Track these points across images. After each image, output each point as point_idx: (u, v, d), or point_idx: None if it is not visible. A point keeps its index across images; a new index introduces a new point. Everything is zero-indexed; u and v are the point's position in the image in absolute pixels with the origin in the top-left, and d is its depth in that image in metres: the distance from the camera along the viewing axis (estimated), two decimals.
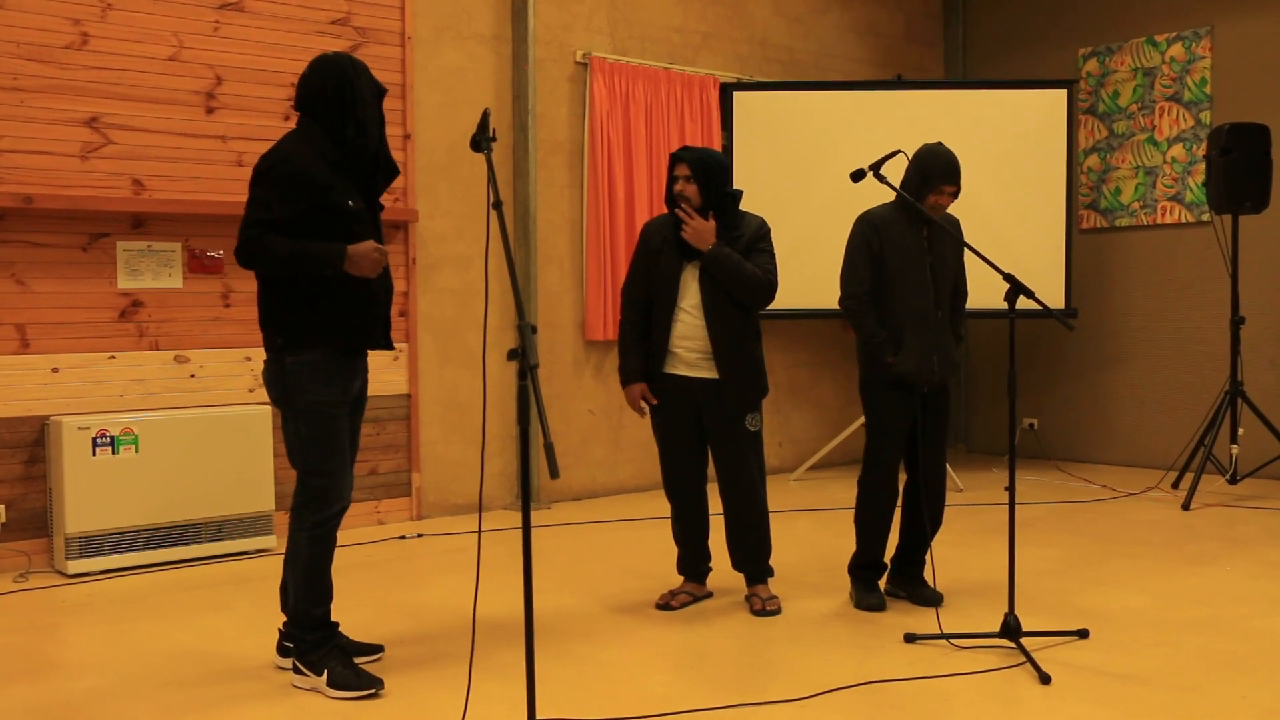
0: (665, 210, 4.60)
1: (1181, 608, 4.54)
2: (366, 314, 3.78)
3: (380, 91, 3.85)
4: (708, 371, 4.49)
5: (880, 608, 4.55)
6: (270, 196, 3.62)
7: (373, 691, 3.62)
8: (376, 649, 4.03)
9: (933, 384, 4.53)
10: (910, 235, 4.50)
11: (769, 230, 4.54)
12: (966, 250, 4.49)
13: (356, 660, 3.83)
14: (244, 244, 3.63)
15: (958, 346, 4.65)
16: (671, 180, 4.50)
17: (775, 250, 4.55)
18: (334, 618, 3.88)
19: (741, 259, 4.40)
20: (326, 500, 3.73)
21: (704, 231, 4.39)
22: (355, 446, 3.94)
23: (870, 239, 4.50)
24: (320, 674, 3.66)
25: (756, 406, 4.54)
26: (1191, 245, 7.84)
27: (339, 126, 3.73)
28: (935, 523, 4.65)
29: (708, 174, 4.43)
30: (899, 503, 4.70)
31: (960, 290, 4.67)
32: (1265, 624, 4.31)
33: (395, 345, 6.28)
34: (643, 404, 4.60)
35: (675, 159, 4.50)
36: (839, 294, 4.59)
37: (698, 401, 4.53)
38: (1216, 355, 7.71)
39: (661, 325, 4.54)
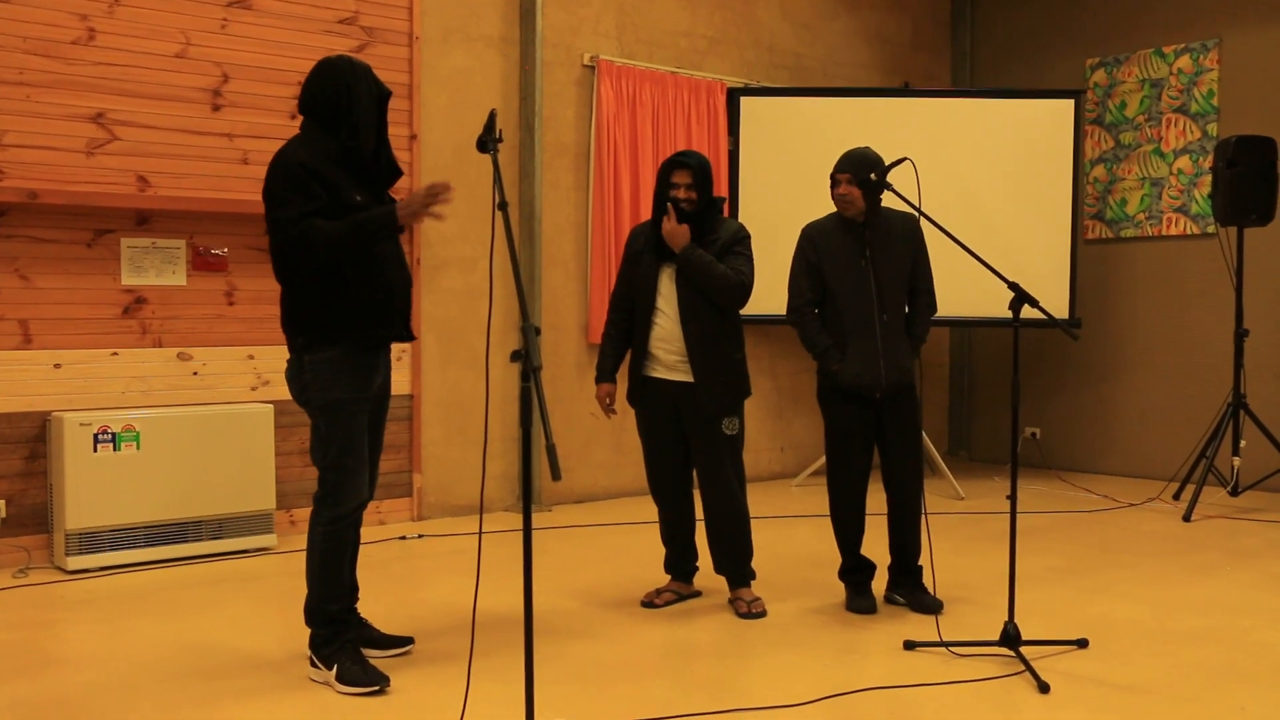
0: (654, 214, 4.60)
1: (1181, 618, 4.54)
2: (385, 308, 3.79)
3: (383, 94, 3.86)
4: (684, 374, 4.52)
5: (870, 610, 4.56)
6: (296, 193, 3.64)
7: (378, 688, 3.65)
8: (406, 641, 4.08)
9: (883, 390, 4.51)
10: (847, 243, 4.52)
11: (747, 236, 4.57)
12: (971, 256, 4.46)
13: (386, 652, 3.96)
14: (296, 239, 3.62)
15: (916, 350, 4.61)
16: (669, 185, 4.49)
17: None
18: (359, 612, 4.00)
19: (713, 260, 4.43)
20: (341, 496, 3.77)
21: (677, 233, 4.44)
22: (379, 443, 3.99)
23: (807, 252, 4.58)
24: (330, 668, 3.71)
25: (733, 410, 4.54)
26: (1196, 257, 7.83)
27: (336, 128, 3.77)
28: (912, 532, 4.61)
29: (705, 181, 4.50)
30: (885, 509, 4.71)
31: (921, 290, 4.61)
32: (1265, 636, 4.30)
33: (399, 345, 6.30)
34: (609, 404, 4.67)
35: (678, 164, 4.48)
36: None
37: (676, 404, 4.56)
38: (1220, 367, 7.70)
39: (642, 328, 4.59)
